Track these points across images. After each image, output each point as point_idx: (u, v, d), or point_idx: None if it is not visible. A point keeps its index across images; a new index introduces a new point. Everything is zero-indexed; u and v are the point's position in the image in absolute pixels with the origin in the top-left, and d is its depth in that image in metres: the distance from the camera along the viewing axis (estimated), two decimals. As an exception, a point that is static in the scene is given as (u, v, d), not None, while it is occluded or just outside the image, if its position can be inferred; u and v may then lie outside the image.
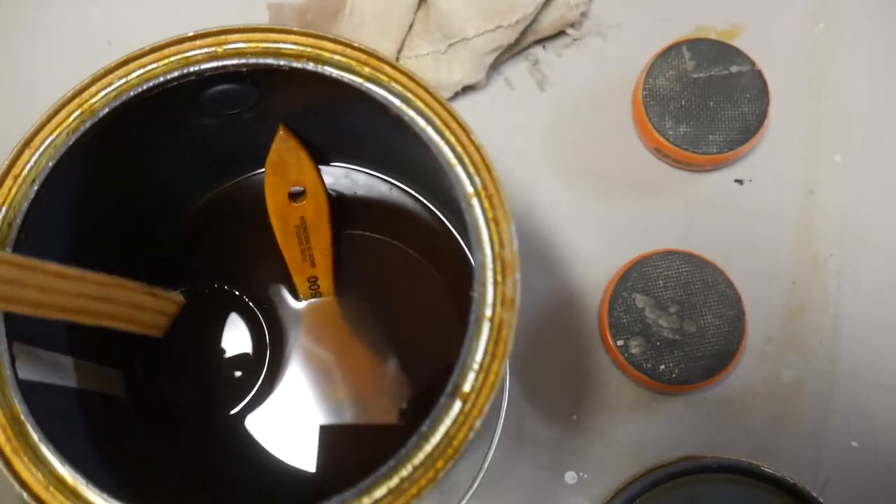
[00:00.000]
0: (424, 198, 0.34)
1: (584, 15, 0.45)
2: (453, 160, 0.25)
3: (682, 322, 0.38)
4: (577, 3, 0.43)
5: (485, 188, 0.24)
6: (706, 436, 0.39)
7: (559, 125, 0.44)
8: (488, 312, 0.23)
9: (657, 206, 0.42)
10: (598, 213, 0.42)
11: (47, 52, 0.47)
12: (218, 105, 0.28)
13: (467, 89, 0.44)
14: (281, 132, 0.31)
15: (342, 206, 0.34)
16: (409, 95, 0.25)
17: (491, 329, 0.23)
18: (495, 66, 0.44)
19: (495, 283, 0.23)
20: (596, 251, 0.42)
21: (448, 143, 0.25)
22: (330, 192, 0.33)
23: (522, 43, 0.44)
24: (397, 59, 0.42)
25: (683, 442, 0.39)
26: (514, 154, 0.43)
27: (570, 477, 0.39)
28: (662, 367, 0.38)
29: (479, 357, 0.23)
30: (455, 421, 0.23)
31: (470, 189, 0.24)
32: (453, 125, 0.25)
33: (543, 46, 0.45)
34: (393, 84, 0.25)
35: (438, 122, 0.25)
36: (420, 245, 0.35)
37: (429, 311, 0.34)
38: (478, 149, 0.24)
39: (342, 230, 0.34)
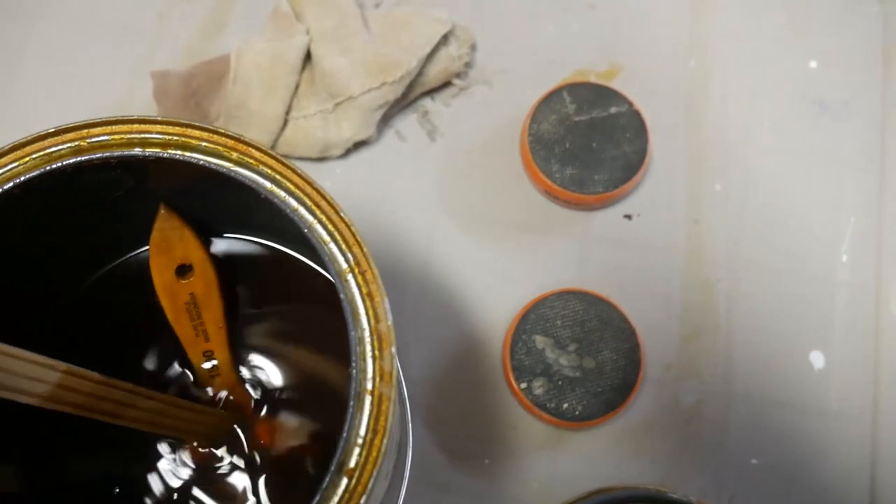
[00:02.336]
0: (317, 263, 0.34)
1: (468, 65, 0.46)
2: (326, 237, 0.25)
3: (582, 359, 0.40)
4: (459, 54, 0.44)
5: (357, 264, 0.25)
6: (615, 467, 0.41)
7: (452, 173, 0.45)
8: (369, 386, 0.24)
9: (552, 246, 0.44)
10: (496, 257, 0.44)
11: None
12: (92, 192, 0.28)
13: (359, 145, 0.44)
14: (162, 211, 0.31)
15: (234, 275, 0.34)
16: (279, 177, 0.25)
17: (372, 403, 0.24)
18: (385, 120, 0.45)
19: (374, 358, 0.24)
20: (496, 295, 0.43)
21: (320, 221, 0.25)
22: (220, 261, 0.33)
23: (410, 96, 0.44)
24: (286, 120, 0.42)
25: (594, 475, 0.40)
26: (411, 205, 0.44)
27: (486, 521, 0.40)
28: (566, 405, 0.39)
29: (362, 432, 0.23)
30: (342, 499, 0.23)
31: (344, 265, 0.25)
32: (323, 204, 0.25)
33: (432, 97, 0.46)
34: (262, 167, 0.25)
35: (309, 202, 0.25)
36: (316, 307, 0.35)
37: (333, 375, 0.35)
38: (348, 226, 0.25)
39: (235, 301, 0.34)
